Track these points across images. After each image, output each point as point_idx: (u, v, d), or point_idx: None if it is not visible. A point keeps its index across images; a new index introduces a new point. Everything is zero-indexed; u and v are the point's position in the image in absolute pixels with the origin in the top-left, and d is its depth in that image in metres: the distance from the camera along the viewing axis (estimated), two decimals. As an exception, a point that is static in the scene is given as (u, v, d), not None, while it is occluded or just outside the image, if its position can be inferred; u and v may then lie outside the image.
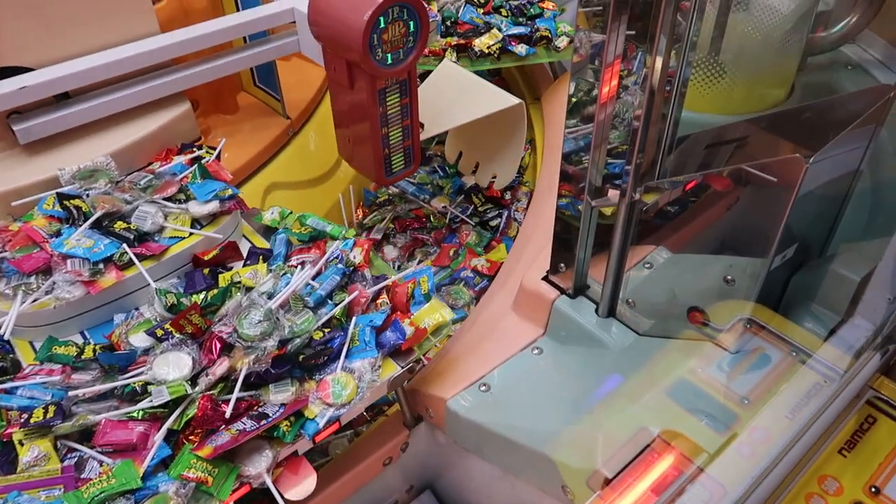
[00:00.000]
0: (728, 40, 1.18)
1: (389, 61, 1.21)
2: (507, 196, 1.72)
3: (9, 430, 0.90)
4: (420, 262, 1.59)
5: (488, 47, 1.66)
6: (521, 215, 1.67)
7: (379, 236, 1.64)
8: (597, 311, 1.01)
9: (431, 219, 1.67)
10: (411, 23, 1.20)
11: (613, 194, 0.97)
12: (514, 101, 1.44)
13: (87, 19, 1.21)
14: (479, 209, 1.68)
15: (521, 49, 1.67)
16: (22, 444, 0.88)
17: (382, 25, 1.16)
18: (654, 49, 0.79)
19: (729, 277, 0.86)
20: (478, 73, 1.96)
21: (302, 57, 1.67)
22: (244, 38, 1.43)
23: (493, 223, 1.66)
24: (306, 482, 0.90)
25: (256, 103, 1.56)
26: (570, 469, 0.80)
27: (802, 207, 0.78)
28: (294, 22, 1.38)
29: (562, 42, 1.71)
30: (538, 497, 0.93)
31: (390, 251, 1.62)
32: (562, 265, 1.04)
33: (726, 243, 1.01)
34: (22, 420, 0.90)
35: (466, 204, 1.69)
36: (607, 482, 0.74)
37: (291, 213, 1.25)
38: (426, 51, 1.69)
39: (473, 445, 1.00)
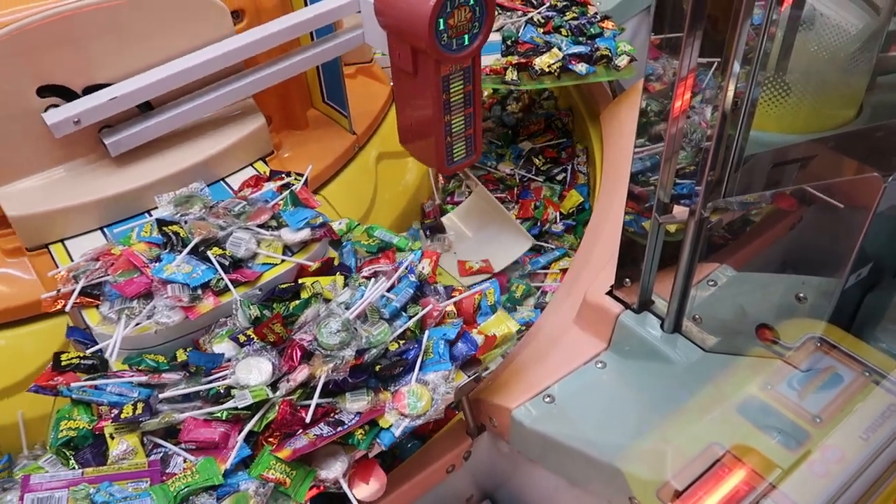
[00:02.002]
0: (795, 60, 1.19)
1: (454, 47, 1.23)
2: (564, 155, 1.97)
3: (100, 424, 0.96)
4: None
5: (549, 66, 1.69)
6: (583, 168, 1.93)
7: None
8: (662, 326, 1.03)
9: (503, 181, 1.90)
10: (477, 8, 1.22)
11: (679, 211, 0.99)
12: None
13: (165, 30, 1.27)
14: (542, 168, 1.93)
15: (581, 68, 1.70)
16: (112, 438, 0.94)
17: (448, 10, 1.18)
18: (728, 69, 0.80)
19: (801, 295, 0.87)
20: (540, 91, 2.03)
21: (366, 73, 1.73)
22: (311, 35, 1.47)
23: (559, 178, 1.91)
24: (376, 485, 0.93)
25: (325, 119, 1.62)
26: (639, 480, 0.81)
27: (878, 227, 0.79)
28: (360, 12, 1.39)
29: (622, 61, 1.73)
30: (602, 508, 0.94)
31: None
32: (627, 280, 1.05)
33: (794, 261, 1.01)
34: (112, 415, 0.96)
35: (529, 166, 1.96)
36: (678, 495, 0.75)
37: (359, 224, 1.30)
38: (487, 69, 1.73)
39: (538, 455, 1.02)
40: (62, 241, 1.23)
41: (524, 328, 1.47)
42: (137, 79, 1.24)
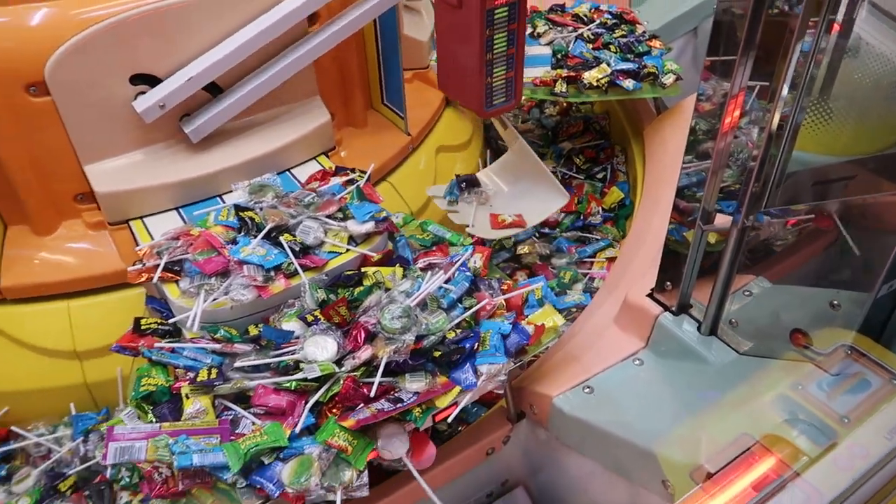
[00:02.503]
0: (839, 86, 1.24)
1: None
2: (602, 155, 2.11)
3: (177, 385, 1.05)
4: None
5: (597, 80, 1.77)
6: (622, 167, 2.07)
7: None
8: (699, 329, 1.09)
9: None
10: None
11: (721, 221, 1.06)
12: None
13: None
14: (582, 167, 2.08)
15: (628, 84, 1.77)
16: (187, 398, 1.03)
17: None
18: (777, 92, 0.87)
19: (835, 302, 0.93)
20: (584, 104, 2.11)
21: (422, 79, 1.82)
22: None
23: (600, 176, 2.05)
24: (427, 455, 1.01)
25: (383, 120, 1.71)
26: (673, 464, 0.88)
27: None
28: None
29: (668, 79, 1.80)
30: (634, 495, 1.01)
31: None
32: (668, 283, 1.12)
33: (827, 274, 1.08)
34: (188, 378, 1.05)
35: (569, 165, 2.10)
36: (709, 476, 0.82)
37: (414, 219, 1.38)
38: (538, 80, 1.81)
39: (575, 442, 1.09)
40: (141, 218, 1.33)
41: (575, 310, 1.62)
42: (208, 55, 1.32)
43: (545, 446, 1.18)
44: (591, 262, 1.80)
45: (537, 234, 1.87)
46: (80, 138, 1.29)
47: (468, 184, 1.70)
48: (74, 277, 1.33)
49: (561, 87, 1.79)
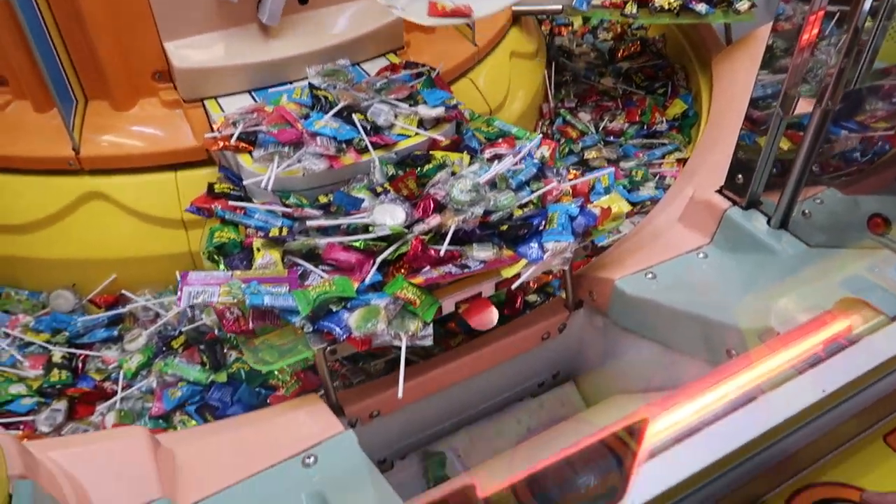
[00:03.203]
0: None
1: None
2: (661, 74, 2.15)
3: (250, 239, 1.08)
4: (611, 121, 2.00)
5: (669, 3, 1.74)
6: (683, 83, 2.13)
7: (573, 104, 2.08)
8: (769, 222, 1.08)
9: (607, 93, 2.12)
10: None
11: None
12: None
13: None
14: (641, 85, 2.12)
15: (701, 8, 1.74)
16: (258, 251, 1.07)
17: None
18: None
19: (919, 180, 0.92)
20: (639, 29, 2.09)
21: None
22: None
23: (661, 91, 2.09)
24: (490, 316, 1.03)
25: (451, 29, 1.71)
26: (740, 330, 0.88)
27: None
28: None
29: (742, 6, 1.76)
30: (692, 372, 1.01)
31: (584, 116, 2.03)
32: (739, 177, 1.11)
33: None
34: (261, 234, 1.09)
35: (629, 82, 2.15)
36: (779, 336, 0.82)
37: (479, 115, 1.39)
38: (607, 1, 1.79)
39: (635, 323, 1.10)
40: (216, 98, 1.36)
41: (649, 203, 1.67)
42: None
43: (602, 333, 1.19)
44: (661, 163, 1.85)
45: (603, 142, 1.91)
46: (163, 14, 1.32)
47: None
48: (149, 152, 1.37)
49: (631, 8, 1.76)
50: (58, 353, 1.33)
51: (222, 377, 1.25)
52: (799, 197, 1.05)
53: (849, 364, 0.70)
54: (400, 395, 0.93)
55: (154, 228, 1.37)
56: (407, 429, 1.17)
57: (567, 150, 1.88)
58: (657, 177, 1.78)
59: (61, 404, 1.25)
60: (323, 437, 0.89)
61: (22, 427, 1.23)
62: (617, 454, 0.55)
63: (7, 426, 1.22)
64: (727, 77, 1.78)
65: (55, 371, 1.30)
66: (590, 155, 1.84)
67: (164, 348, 1.32)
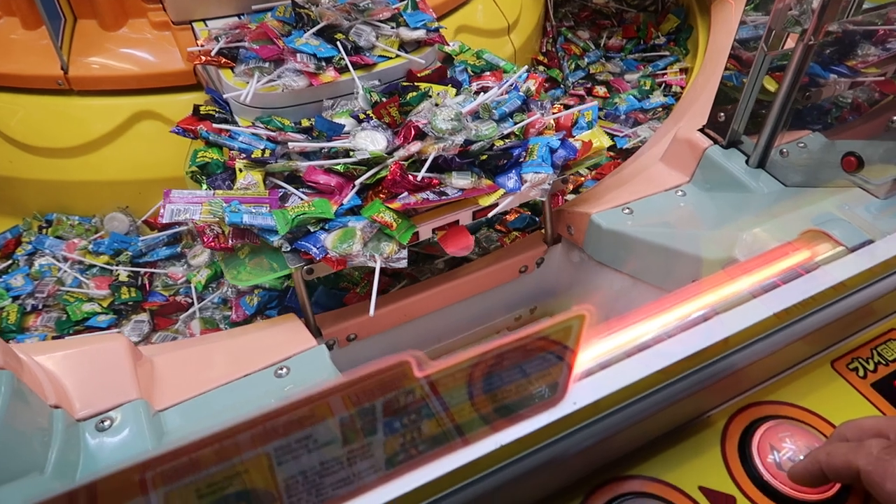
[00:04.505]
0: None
1: None
2: None
3: (233, 161, 1.10)
4: (609, 38, 2.18)
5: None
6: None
7: (571, 23, 2.25)
8: (747, 161, 1.09)
9: (600, 12, 2.29)
10: None
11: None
12: None
13: None
14: (631, 3, 2.28)
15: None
16: (241, 171, 1.08)
17: None
18: None
19: (894, 118, 0.92)
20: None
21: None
22: None
23: (651, 8, 2.25)
24: (466, 242, 1.05)
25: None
26: (707, 261, 0.90)
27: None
28: None
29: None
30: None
31: (583, 34, 2.20)
32: (721, 115, 1.12)
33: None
34: (243, 156, 1.10)
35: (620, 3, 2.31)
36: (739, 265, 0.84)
37: (469, 48, 1.38)
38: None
39: (609, 257, 1.12)
40: (204, 20, 1.35)
41: (661, 109, 1.85)
42: None
43: (577, 267, 1.21)
44: (665, 73, 2.00)
45: (605, 57, 2.11)
46: (151, -70, 1.30)
47: None
48: (137, 74, 1.37)
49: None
50: (123, 273, 1.37)
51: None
52: (778, 136, 1.05)
53: (802, 288, 0.72)
54: (371, 313, 0.96)
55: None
56: (382, 354, 1.20)
57: (574, 65, 2.06)
58: (662, 86, 1.94)
59: (143, 316, 1.31)
60: (296, 351, 0.92)
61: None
62: (561, 358, 0.58)
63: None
64: (725, 21, 1.76)
65: (124, 289, 1.35)
66: (595, 69, 2.03)
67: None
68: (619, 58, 2.10)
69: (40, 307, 1.35)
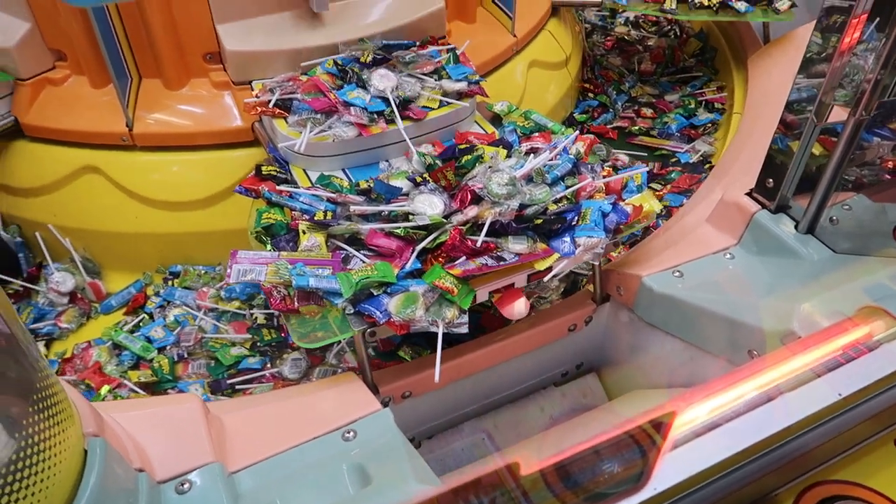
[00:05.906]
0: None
1: None
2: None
3: (296, 222, 1.14)
4: (640, 63, 2.32)
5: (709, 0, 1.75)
6: (687, 24, 2.44)
7: (602, 51, 2.41)
8: (796, 227, 1.12)
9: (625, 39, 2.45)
10: None
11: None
12: None
13: None
14: (649, 31, 2.45)
15: (741, 6, 1.75)
16: (304, 233, 1.12)
17: None
18: None
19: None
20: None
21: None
22: None
23: (670, 34, 2.42)
24: (521, 306, 1.08)
25: (491, 19, 1.74)
26: (763, 331, 0.92)
27: None
28: None
29: (782, 5, 1.76)
30: (714, 369, 1.06)
31: (614, 60, 2.34)
32: (770, 180, 1.14)
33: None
34: (306, 217, 1.14)
35: (637, 28, 2.49)
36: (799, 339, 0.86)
37: (517, 108, 1.43)
38: (647, -5, 1.82)
39: (660, 319, 1.14)
40: (262, 80, 1.41)
41: (710, 125, 1.96)
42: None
43: (627, 327, 1.24)
44: (703, 92, 2.14)
45: (640, 81, 2.25)
46: (217, -3, 1.37)
47: None
48: (198, 131, 1.43)
49: (670, 3, 1.78)
50: (261, 316, 1.44)
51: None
52: (828, 204, 1.08)
53: (865, 369, 0.74)
54: (437, 379, 0.99)
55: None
56: (435, 410, 1.23)
57: (617, 90, 2.19)
58: (703, 103, 2.10)
59: (298, 354, 1.37)
60: (361, 414, 0.95)
61: (262, 381, 1.35)
62: (640, 444, 0.60)
63: (248, 381, 1.35)
64: (763, 76, 1.80)
65: (265, 331, 1.42)
66: (636, 93, 2.18)
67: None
68: (653, 80, 2.25)
69: (185, 356, 1.40)
